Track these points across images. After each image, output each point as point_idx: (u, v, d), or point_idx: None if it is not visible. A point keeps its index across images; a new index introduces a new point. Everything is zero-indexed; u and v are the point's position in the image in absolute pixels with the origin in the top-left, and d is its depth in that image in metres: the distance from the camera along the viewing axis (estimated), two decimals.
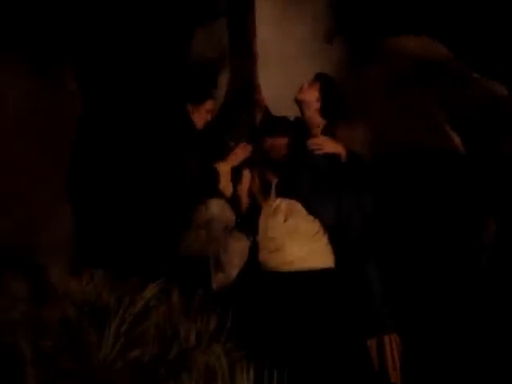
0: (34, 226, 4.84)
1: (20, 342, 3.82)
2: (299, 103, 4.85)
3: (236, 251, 4.94)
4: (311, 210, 4.73)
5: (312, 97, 4.82)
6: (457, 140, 5.36)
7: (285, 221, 4.73)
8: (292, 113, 5.00)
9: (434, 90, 5.44)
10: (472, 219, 5.17)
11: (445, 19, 5.53)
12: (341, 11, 5.78)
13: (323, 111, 4.80)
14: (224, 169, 4.98)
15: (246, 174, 4.98)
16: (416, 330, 4.88)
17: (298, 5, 5.82)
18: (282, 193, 4.80)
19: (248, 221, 4.93)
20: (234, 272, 4.90)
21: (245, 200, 4.98)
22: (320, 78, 4.88)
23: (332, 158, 4.75)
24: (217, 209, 4.97)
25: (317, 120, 4.83)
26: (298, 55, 5.70)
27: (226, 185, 4.99)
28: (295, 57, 5.69)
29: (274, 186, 4.83)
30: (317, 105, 4.81)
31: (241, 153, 5.01)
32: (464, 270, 5.04)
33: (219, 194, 4.98)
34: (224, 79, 5.62)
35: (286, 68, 5.62)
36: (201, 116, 5.08)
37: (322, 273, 4.65)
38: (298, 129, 4.90)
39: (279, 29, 5.77)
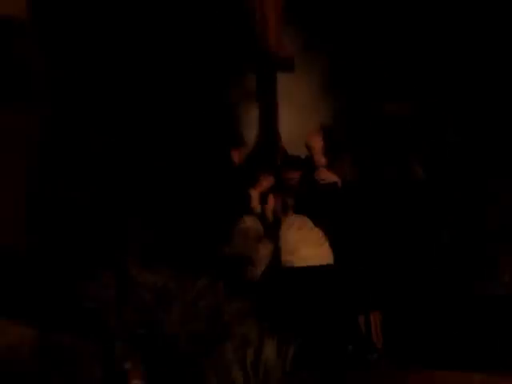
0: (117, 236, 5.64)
1: (110, 318, 4.35)
2: (307, 147, 5.64)
3: (263, 253, 5.63)
4: (317, 222, 5.52)
5: (317, 143, 5.58)
6: (419, 171, 5.97)
7: (298, 231, 5.50)
8: (302, 152, 5.76)
9: (405, 139, 6.07)
10: (429, 231, 5.78)
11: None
12: (340, 74, 6.33)
13: (325, 153, 5.59)
14: (254, 194, 5.77)
15: (271, 198, 5.75)
16: (394, 307, 5.60)
17: (307, 64, 6.34)
18: (296, 211, 5.58)
19: (272, 231, 5.67)
20: (262, 267, 5.62)
21: (270, 216, 5.75)
22: (323, 128, 5.63)
23: (331, 185, 5.58)
24: (250, 222, 5.75)
25: (321, 159, 5.60)
26: (306, 106, 6.22)
27: (256, 205, 5.75)
28: (304, 107, 6.21)
29: (290, 206, 5.64)
30: (321, 148, 5.58)
31: (266, 182, 5.78)
32: (423, 271, 5.68)
33: (252, 212, 5.79)
34: (254, 127, 6.20)
35: (298, 116, 6.17)
36: (238, 156, 5.93)
37: (325, 268, 5.44)
38: (307, 165, 5.65)
39: (292, 84, 6.23)
